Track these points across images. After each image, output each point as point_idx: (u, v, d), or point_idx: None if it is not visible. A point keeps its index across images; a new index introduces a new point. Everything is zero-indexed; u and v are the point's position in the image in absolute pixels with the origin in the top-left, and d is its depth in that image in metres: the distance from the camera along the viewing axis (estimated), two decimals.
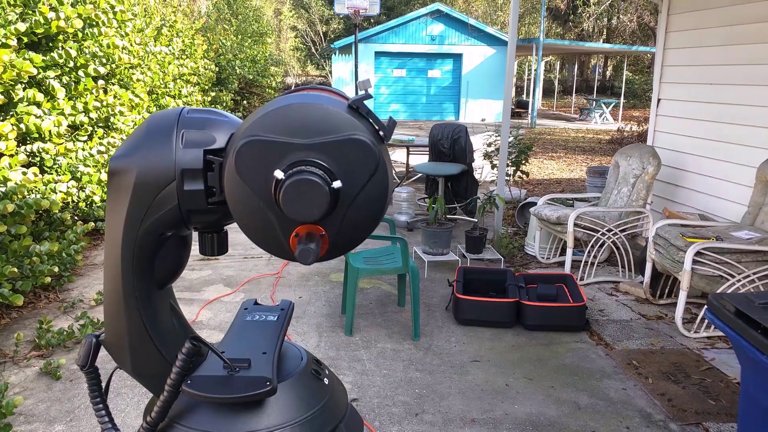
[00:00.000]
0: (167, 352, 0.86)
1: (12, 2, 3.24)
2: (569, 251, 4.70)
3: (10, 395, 3.01)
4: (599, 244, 4.70)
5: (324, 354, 3.53)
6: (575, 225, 4.66)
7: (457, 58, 20.03)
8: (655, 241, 4.07)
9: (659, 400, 3.02)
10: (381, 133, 0.75)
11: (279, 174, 0.69)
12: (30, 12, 3.81)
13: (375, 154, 0.71)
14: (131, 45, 5.27)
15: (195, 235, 0.91)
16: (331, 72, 22.40)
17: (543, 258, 5.29)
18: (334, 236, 0.74)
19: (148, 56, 6.17)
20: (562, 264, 4.98)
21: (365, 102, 0.75)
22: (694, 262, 3.65)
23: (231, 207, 0.74)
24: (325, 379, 0.91)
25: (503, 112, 5.57)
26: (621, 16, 28.29)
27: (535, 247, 5.35)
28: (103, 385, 0.94)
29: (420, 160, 8.18)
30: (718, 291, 3.60)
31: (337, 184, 0.69)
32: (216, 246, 0.85)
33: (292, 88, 0.97)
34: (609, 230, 4.66)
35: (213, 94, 9.78)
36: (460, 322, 3.94)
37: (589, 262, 4.74)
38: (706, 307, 1.89)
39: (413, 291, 3.68)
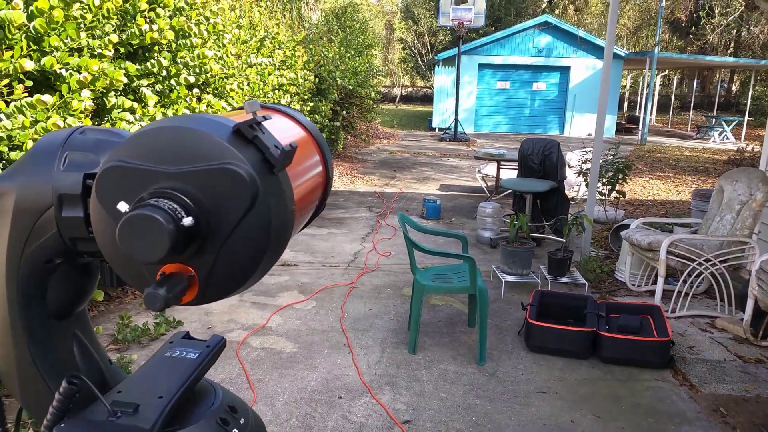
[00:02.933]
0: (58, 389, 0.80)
1: (106, 15, 3.44)
2: (660, 280, 4.33)
3: None
4: (696, 274, 4.29)
5: (384, 371, 3.44)
6: (669, 252, 4.28)
7: (564, 70, 19.39)
8: (759, 276, 3.65)
9: None
10: (271, 162, 0.66)
11: (122, 206, 0.62)
12: (129, 24, 4.05)
13: (250, 187, 0.62)
14: (227, 56, 5.47)
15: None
16: (433, 83, 22.39)
17: (633, 285, 4.91)
18: (205, 278, 0.65)
19: (245, 67, 6.40)
20: (653, 293, 4.60)
21: (255, 125, 0.66)
22: None
23: (96, 237, 0.68)
24: (235, 429, 0.82)
25: (596, 128, 5.26)
26: (751, 28, 26.21)
27: (625, 273, 4.98)
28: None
29: (514, 174, 7.92)
30: None
31: (187, 221, 0.61)
32: (115, 277, 0.79)
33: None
34: (707, 260, 4.24)
35: (312, 104, 10.03)
36: (531, 348, 3.72)
37: (683, 293, 4.33)
38: None
39: (480, 313, 3.52)
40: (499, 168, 8.04)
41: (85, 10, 3.07)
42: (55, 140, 0.77)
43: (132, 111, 4.06)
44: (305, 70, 9.50)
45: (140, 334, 3.75)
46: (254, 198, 0.62)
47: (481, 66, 19.58)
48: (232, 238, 0.64)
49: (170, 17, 4.40)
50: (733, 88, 33.41)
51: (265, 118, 0.69)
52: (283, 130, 0.78)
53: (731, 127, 18.94)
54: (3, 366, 0.81)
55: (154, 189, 0.63)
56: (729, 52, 29.64)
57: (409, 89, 38.14)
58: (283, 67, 8.60)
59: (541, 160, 6.43)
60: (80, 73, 3.03)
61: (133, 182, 0.63)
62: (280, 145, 0.68)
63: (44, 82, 3.05)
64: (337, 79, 11.40)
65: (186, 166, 0.63)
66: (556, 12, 31.04)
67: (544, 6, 31.96)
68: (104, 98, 3.69)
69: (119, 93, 4.01)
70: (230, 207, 0.63)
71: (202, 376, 0.81)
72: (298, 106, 9.02)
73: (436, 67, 20.10)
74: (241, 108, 0.86)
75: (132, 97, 4.15)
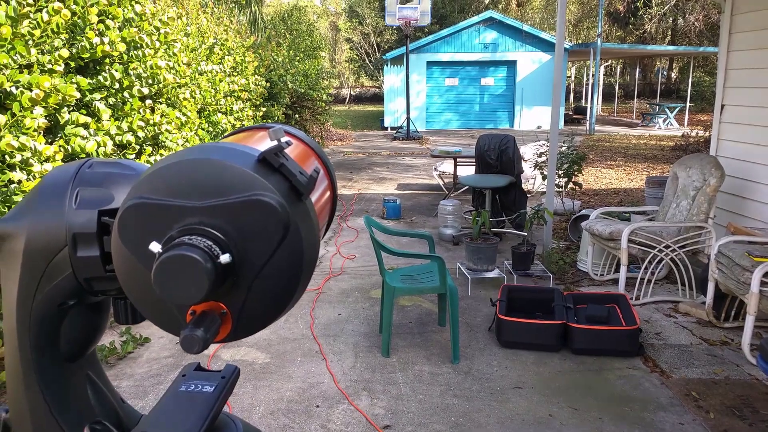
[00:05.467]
0: None
1: (55, 30, 3.33)
2: (623, 269, 4.46)
3: None
4: (656, 261, 4.43)
5: (359, 376, 3.44)
6: (629, 241, 4.41)
7: (511, 65, 19.72)
8: (718, 259, 3.80)
9: None
10: (298, 190, 0.65)
11: (155, 247, 0.59)
12: (79, 38, 3.92)
13: (282, 217, 0.60)
14: (178, 65, 5.36)
15: None
16: (383, 82, 22.45)
17: (596, 275, 5.04)
18: (237, 314, 0.63)
19: (196, 75, 6.29)
20: (616, 281, 4.73)
21: (279, 153, 0.65)
22: (763, 283, 3.37)
23: (119, 277, 0.66)
24: None
25: (551, 121, 5.37)
26: (687, 16, 27.22)
27: (587, 263, 5.11)
28: None
29: (470, 171, 8.02)
30: None
31: (225, 258, 0.59)
32: (130, 314, 0.77)
33: (239, 128, 0.87)
34: (666, 246, 4.39)
35: (264, 109, 9.92)
36: (502, 344, 3.77)
37: (646, 280, 4.48)
38: (758, 353, 1.70)
39: (452, 312, 3.55)
40: (455, 165, 8.13)
41: (33, 26, 2.96)
42: (63, 176, 0.74)
43: (86, 126, 3.94)
44: (256, 76, 9.40)
45: (107, 353, 3.65)
46: (287, 228, 0.61)
47: (430, 64, 19.73)
48: (265, 271, 0.62)
49: (120, 29, 4.29)
50: (673, 75, 34.65)
51: (288, 144, 0.68)
52: (292, 152, 0.77)
53: (674, 113, 19.63)
54: (15, 418, 0.77)
55: (182, 226, 0.61)
56: (667, 40, 30.71)
57: (358, 89, 38.13)
58: (234, 74, 8.48)
59: (498, 155, 6.54)
60: (32, 90, 2.92)
61: (159, 220, 0.61)
62: (304, 171, 0.66)
63: None
64: (288, 82, 11.32)
65: (214, 199, 0.61)
66: (500, 7, 31.57)
67: (487, 2, 32.44)
68: (57, 114, 3.57)
69: (72, 108, 3.88)
70: (263, 239, 0.61)
71: (221, 409, 0.79)
72: (250, 112, 8.90)
73: (385, 66, 20.14)
74: (240, 131, 0.84)
75: (85, 112, 4.03)
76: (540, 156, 7.33)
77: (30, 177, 3.09)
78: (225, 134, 0.83)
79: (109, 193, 0.72)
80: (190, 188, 0.61)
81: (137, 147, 4.82)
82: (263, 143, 0.73)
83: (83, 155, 4.02)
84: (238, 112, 8.34)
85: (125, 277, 0.65)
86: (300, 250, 0.63)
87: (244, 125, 8.34)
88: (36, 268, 0.71)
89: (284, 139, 0.68)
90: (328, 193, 0.84)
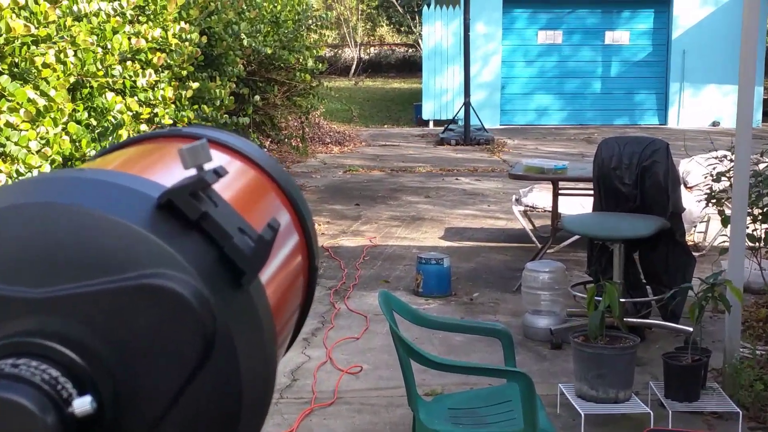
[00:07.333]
0: None
1: None
2: None
3: None
4: None
5: None
6: None
7: (661, 7, 19.90)
8: None
9: None
10: (237, 262, 0.63)
11: None
12: None
13: (200, 319, 0.58)
14: (35, 2, 5.45)
15: None
16: (420, 37, 22.74)
17: None
18: None
19: (68, 20, 6.38)
20: None
21: (201, 192, 0.62)
22: None
23: None
24: None
25: (739, 115, 5.33)
26: None
27: None
28: None
29: (585, 206, 7.99)
30: None
31: (82, 404, 0.56)
32: None
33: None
34: None
35: (196, 84, 10.02)
36: None
37: None
38: None
39: None
40: (556, 194, 8.11)
41: None
42: None
43: None
44: (182, 23, 9.55)
45: None
46: (208, 342, 0.59)
47: (508, 4, 19.96)
48: (169, 422, 0.60)
49: None
50: None
51: (218, 173, 0.65)
52: (227, 186, 0.75)
53: None
54: None
55: (10, 337, 0.59)
56: None
57: (375, 49, 38.71)
58: (141, 18, 8.64)
59: (638, 176, 6.49)
60: None
61: None
62: (249, 228, 0.64)
63: None
64: (243, 36, 11.48)
65: (67, 285, 0.59)
66: None
67: None
68: None
69: None
70: (164, 363, 0.59)
71: None
72: (170, 91, 9.01)
73: (425, 8, 20.46)
74: (129, 142, 0.84)
75: None
76: (717, 180, 7.26)
77: None
78: (101, 149, 0.82)
79: None
80: (21, 262, 0.61)
81: None
82: (170, 171, 0.72)
83: None
84: (146, 90, 8.44)
85: None
86: (236, 378, 0.62)
87: (156, 115, 8.43)
88: None
89: (210, 164, 0.66)
90: (296, 262, 0.85)
